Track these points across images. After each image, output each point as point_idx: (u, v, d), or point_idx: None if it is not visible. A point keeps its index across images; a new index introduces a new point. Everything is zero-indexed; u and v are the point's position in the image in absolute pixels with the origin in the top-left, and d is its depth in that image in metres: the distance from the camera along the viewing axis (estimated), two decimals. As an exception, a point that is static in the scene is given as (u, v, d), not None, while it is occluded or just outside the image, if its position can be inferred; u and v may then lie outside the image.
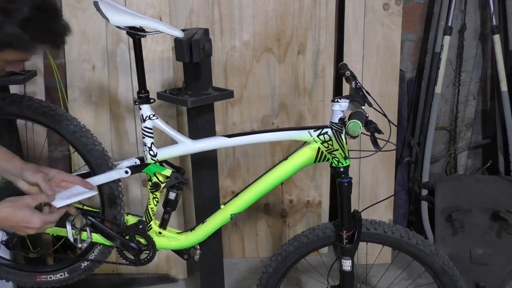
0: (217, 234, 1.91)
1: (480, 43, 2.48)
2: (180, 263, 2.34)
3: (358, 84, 1.46)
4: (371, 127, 1.29)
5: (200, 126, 1.80)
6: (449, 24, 2.27)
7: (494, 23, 2.25)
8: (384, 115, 1.40)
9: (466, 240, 2.22)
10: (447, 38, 2.27)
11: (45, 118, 1.54)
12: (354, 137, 1.23)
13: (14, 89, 2.07)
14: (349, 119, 1.20)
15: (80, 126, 1.57)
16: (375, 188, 2.39)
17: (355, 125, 1.17)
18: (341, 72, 1.65)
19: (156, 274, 2.34)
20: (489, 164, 2.62)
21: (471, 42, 2.47)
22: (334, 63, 2.32)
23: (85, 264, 1.70)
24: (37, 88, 2.19)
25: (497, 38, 2.25)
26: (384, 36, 2.27)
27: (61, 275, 1.71)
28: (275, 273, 1.60)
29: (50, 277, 1.71)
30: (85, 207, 1.64)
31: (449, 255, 2.18)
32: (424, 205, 2.42)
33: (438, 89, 2.32)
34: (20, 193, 1.58)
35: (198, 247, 1.67)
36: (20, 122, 2.02)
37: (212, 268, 2.01)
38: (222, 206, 1.57)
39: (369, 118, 1.27)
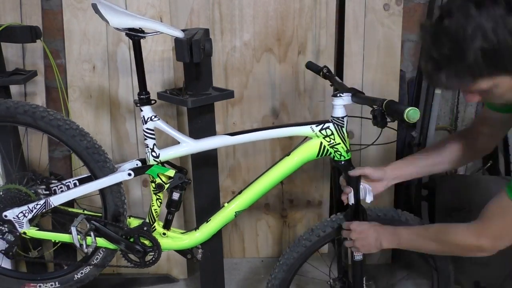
0: (217, 234, 1.92)
1: (480, 43, 2.47)
2: (181, 263, 2.34)
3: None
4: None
5: (201, 126, 1.80)
6: (450, 24, 2.26)
7: (495, 23, 2.24)
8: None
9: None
10: (447, 38, 2.27)
11: (59, 131, 1.52)
12: (410, 124, 1.19)
13: (14, 88, 2.08)
14: (396, 109, 1.18)
15: (92, 142, 1.55)
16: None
17: (415, 112, 1.16)
18: (315, 70, 1.67)
19: (156, 274, 2.34)
20: (489, 164, 2.61)
21: (472, 42, 2.46)
22: (334, 63, 2.31)
23: (78, 276, 1.67)
24: (37, 88, 2.19)
25: (497, 38, 2.25)
26: (384, 36, 2.27)
27: (51, 285, 1.68)
28: (282, 285, 1.58)
29: (40, 286, 1.68)
30: (85, 212, 1.64)
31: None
32: (424, 205, 2.41)
33: (438, 89, 2.32)
34: (18, 200, 1.57)
35: (200, 247, 1.67)
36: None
37: (212, 268, 2.01)
38: (225, 204, 1.57)
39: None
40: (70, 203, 1.67)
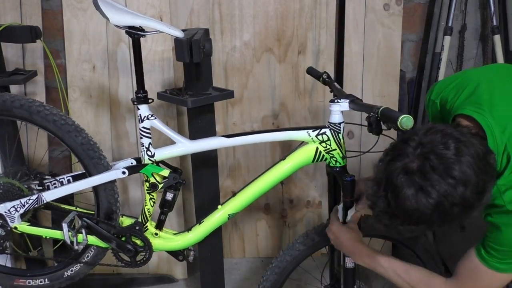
0: (217, 234, 1.92)
1: (480, 44, 2.47)
2: (180, 263, 2.34)
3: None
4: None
5: (201, 126, 1.80)
6: (450, 24, 2.26)
7: (495, 23, 2.24)
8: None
9: (466, 240, 2.22)
10: (447, 38, 2.27)
11: (54, 127, 1.50)
12: (403, 131, 1.18)
13: (14, 88, 2.08)
14: (390, 116, 1.18)
15: (88, 139, 1.54)
16: (375, 188, 2.39)
17: (409, 120, 1.15)
18: (315, 75, 1.66)
19: (156, 274, 2.34)
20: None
21: (472, 42, 2.46)
22: (334, 63, 2.31)
23: (69, 273, 1.66)
24: (37, 88, 2.19)
25: (497, 38, 2.25)
26: (384, 36, 2.27)
27: (40, 281, 1.67)
28: (273, 287, 1.57)
29: (29, 282, 1.67)
30: (78, 209, 1.62)
31: (449, 255, 2.20)
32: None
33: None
34: (11, 194, 1.56)
35: (192, 249, 1.66)
36: (20, 122, 2.02)
37: (212, 268, 2.01)
38: (219, 206, 1.56)
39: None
40: (69, 200, 1.67)
